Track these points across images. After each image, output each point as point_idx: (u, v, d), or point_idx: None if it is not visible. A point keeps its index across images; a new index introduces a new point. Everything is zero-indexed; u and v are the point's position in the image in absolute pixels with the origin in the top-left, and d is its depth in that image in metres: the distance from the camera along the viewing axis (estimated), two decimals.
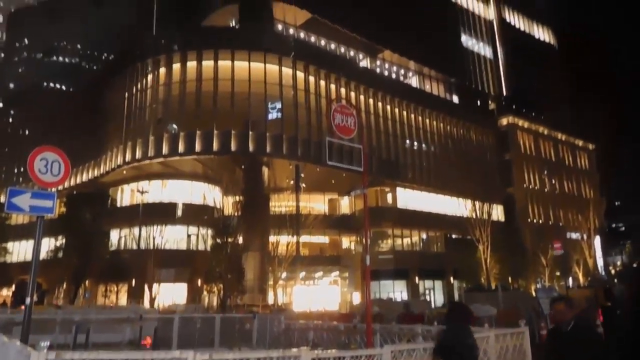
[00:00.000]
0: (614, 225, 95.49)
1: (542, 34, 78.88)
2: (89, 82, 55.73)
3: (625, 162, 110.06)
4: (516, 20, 74.48)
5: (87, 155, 45.41)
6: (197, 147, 38.85)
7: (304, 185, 43.36)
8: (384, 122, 48.64)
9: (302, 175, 42.72)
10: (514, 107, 64.35)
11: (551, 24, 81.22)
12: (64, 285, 38.75)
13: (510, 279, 45.78)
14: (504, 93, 68.24)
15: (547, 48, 79.04)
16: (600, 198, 70.23)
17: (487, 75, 67.31)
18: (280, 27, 47.43)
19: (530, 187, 61.76)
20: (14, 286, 42.42)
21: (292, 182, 42.71)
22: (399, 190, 48.35)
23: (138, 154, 39.86)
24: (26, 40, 74.38)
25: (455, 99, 60.86)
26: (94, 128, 45.40)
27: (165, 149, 39.19)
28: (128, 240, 41.64)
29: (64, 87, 65.67)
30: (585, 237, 56.74)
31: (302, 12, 46.99)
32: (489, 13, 71.38)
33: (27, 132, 57.25)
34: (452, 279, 48.25)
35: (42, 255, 32.45)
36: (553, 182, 64.59)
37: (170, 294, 37.83)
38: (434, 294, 47.58)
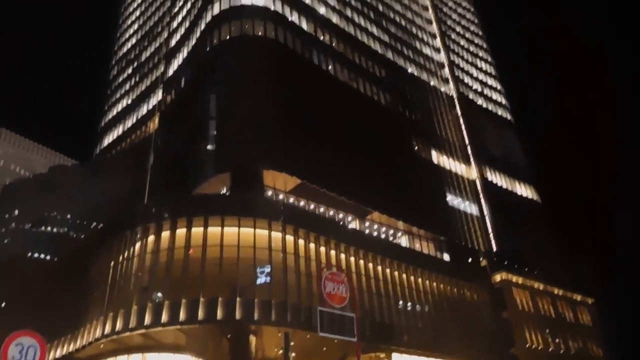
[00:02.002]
0: None
1: (524, 190, 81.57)
2: (74, 252, 55.30)
3: (628, 316, 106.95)
4: (498, 179, 77.43)
5: (66, 329, 43.03)
6: (182, 317, 37.00)
7: (293, 354, 40.68)
8: (376, 283, 47.51)
9: (292, 343, 40.29)
10: (505, 263, 64.02)
11: (532, 181, 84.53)
12: None
13: None
14: (494, 249, 68.30)
15: (531, 204, 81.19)
16: (606, 355, 66.83)
17: (476, 232, 67.92)
18: (270, 193, 48.48)
19: (533, 347, 58.86)
20: None
21: (281, 351, 40.12)
22: (395, 356, 45.55)
23: (119, 326, 37.74)
24: (16, 212, 75.53)
25: (447, 257, 60.60)
26: (77, 299, 43.69)
27: (147, 320, 37.23)
28: None
29: (48, 257, 65.23)
30: None
31: (292, 178, 48.45)
32: (472, 173, 74.36)
33: (3, 305, 55.12)
34: None
35: None
36: (557, 340, 61.81)
37: None
38: None
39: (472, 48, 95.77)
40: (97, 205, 61.76)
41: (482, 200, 72.37)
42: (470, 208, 69.91)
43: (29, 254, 67.27)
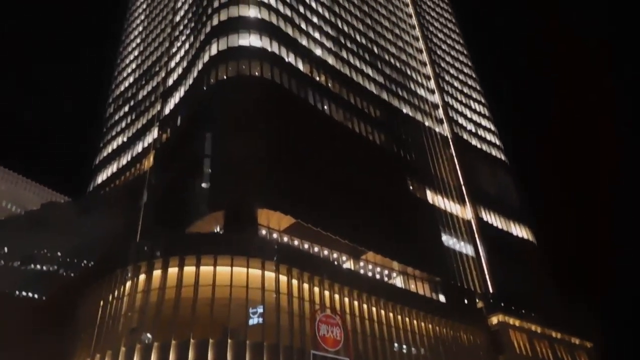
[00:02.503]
0: None
1: (519, 231, 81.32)
2: (63, 291, 54.31)
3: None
4: (493, 219, 77.27)
5: None
6: (172, 359, 36.00)
7: None
8: (371, 325, 46.57)
9: None
10: (502, 305, 63.17)
11: (527, 221, 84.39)
12: None
13: None
14: (490, 290, 67.50)
15: (527, 244, 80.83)
16: None
17: (472, 273, 67.26)
18: (264, 232, 48.06)
19: None
20: None
21: None
22: None
23: None
24: (5, 249, 74.52)
25: (442, 298, 59.80)
26: (65, 339, 42.61)
27: None
28: None
29: (36, 296, 63.99)
30: None
31: (286, 217, 48.14)
32: (467, 213, 74.22)
33: None
34: None
35: None
36: None
37: None
38: None
39: (465, 89, 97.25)
40: (88, 243, 61.06)
41: (478, 241, 71.98)
42: (466, 248, 69.45)
43: (17, 293, 66.02)
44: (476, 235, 72.47)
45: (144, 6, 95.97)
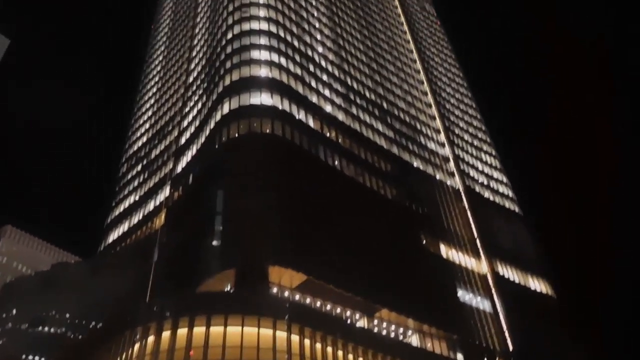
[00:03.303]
0: None
1: (537, 284, 79.21)
2: (71, 354, 53.12)
3: None
4: (510, 273, 75.51)
5: None
6: None
7: None
8: None
9: None
10: None
11: (545, 274, 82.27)
12: None
13: None
14: (510, 348, 65.03)
15: (545, 298, 78.47)
16: None
17: (490, 329, 65.07)
18: (275, 289, 47.19)
19: None
20: None
21: None
22: None
23: None
24: (14, 311, 74.02)
25: (460, 357, 57.63)
26: None
27: None
28: None
29: (44, 359, 62.81)
30: None
31: (298, 274, 47.39)
32: (483, 268, 72.67)
33: None
34: None
35: None
36: None
37: None
38: None
39: (476, 142, 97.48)
40: (97, 303, 60.34)
41: (495, 296, 70.04)
42: (483, 304, 67.53)
43: (24, 356, 64.85)
44: (493, 290, 70.62)
45: (159, 68, 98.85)
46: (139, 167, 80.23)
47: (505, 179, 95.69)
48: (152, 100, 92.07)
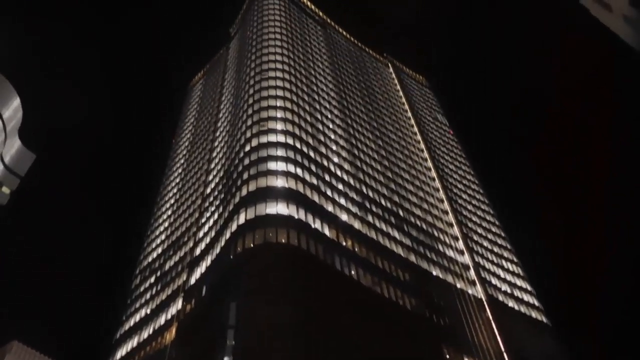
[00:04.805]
0: None
1: None
2: None
3: None
4: None
5: None
6: None
7: None
8: None
9: None
10: None
11: None
12: None
13: None
14: None
15: None
16: None
17: None
18: None
19: None
20: None
21: None
22: None
23: None
24: None
25: None
26: None
27: None
28: None
29: None
30: None
31: None
32: None
33: None
34: None
35: None
36: None
37: None
38: None
39: (495, 249, 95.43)
40: None
41: None
42: None
43: None
44: None
45: (177, 180, 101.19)
46: (152, 279, 79.11)
47: (529, 287, 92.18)
48: (170, 212, 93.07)
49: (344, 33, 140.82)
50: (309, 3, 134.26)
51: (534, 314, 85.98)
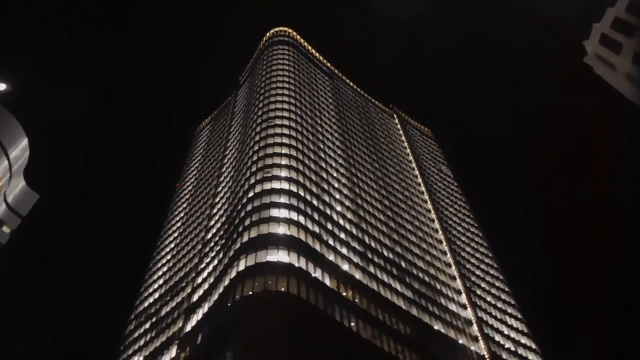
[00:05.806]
0: None
1: None
2: None
3: None
4: None
5: None
6: None
7: None
8: None
9: None
10: None
11: None
12: None
13: None
14: None
15: None
16: None
17: None
18: None
19: None
20: None
21: None
22: None
23: None
24: None
25: None
26: None
27: None
28: None
29: None
30: None
31: None
32: None
33: None
34: None
35: None
36: None
37: None
38: None
39: (499, 304, 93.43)
40: None
41: None
42: None
43: None
44: None
45: (179, 224, 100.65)
46: (147, 325, 77.27)
47: (534, 346, 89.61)
48: (169, 256, 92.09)
49: (351, 84, 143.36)
50: (317, 54, 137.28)
51: None
